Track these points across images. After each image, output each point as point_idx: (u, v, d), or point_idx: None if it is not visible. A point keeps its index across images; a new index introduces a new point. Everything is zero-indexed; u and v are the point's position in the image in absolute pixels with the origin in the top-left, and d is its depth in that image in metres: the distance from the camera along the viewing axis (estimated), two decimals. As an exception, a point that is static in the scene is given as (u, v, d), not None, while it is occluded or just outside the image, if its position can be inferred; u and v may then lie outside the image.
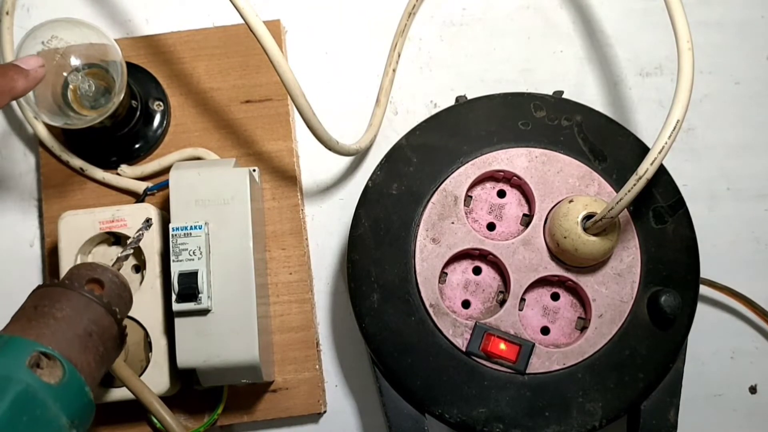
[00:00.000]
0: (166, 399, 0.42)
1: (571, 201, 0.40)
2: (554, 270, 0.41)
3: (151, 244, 0.43)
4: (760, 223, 0.50)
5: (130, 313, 0.42)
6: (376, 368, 0.42)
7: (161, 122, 0.49)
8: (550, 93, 0.45)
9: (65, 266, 0.42)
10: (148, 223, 0.40)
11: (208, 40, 0.50)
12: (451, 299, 0.42)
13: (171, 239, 0.41)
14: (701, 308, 0.46)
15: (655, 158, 0.36)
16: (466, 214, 0.42)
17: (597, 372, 0.40)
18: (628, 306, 0.41)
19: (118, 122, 0.46)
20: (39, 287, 0.31)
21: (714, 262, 0.46)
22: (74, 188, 0.48)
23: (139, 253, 0.43)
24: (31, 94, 0.42)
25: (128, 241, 0.39)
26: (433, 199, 0.42)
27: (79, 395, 0.28)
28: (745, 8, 0.52)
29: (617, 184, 0.42)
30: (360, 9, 0.52)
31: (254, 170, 0.46)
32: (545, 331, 0.42)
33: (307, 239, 0.49)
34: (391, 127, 0.51)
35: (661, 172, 0.42)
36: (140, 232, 0.40)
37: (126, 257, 0.37)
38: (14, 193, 0.49)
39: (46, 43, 0.42)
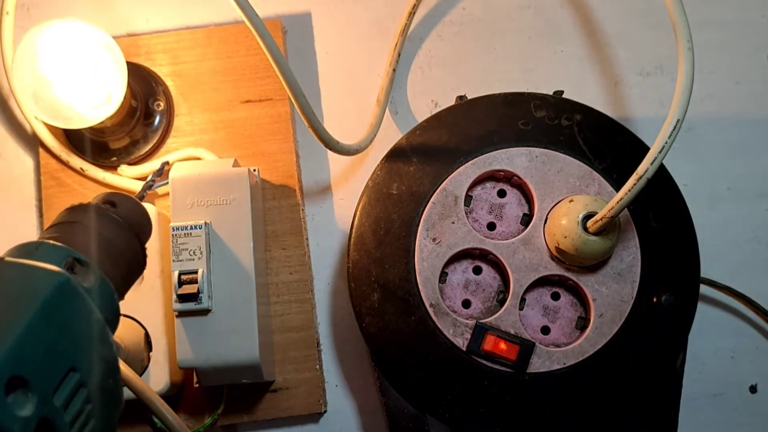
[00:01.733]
0: (166, 399, 0.42)
1: (571, 201, 0.40)
2: (554, 270, 0.41)
3: (151, 244, 0.43)
4: (761, 223, 0.50)
5: (130, 313, 0.43)
6: (376, 368, 0.42)
7: (161, 122, 0.49)
8: (550, 93, 0.45)
9: (65, 266, 0.42)
10: (162, 167, 0.41)
11: (208, 40, 0.50)
12: (451, 299, 0.42)
13: (171, 239, 0.41)
14: (701, 308, 0.46)
15: (656, 158, 0.36)
16: (466, 213, 0.42)
17: (597, 371, 0.40)
18: (629, 305, 0.41)
19: (118, 122, 0.46)
20: (72, 206, 0.32)
21: (714, 262, 0.46)
22: (74, 188, 0.48)
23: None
24: (31, 94, 0.42)
25: (144, 185, 0.40)
26: (433, 199, 0.42)
27: (110, 301, 0.29)
28: (745, 8, 0.53)
29: (617, 183, 0.42)
30: (360, 9, 0.52)
31: (254, 170, 0.46)
32: (545, 330, 0.42)
33: (307, 239, 0.49)
34: (391, 127, 0.51)
35: (661, 172, 0.42)
36: (152, 179, 0.41)
37: (143, 197, 0.38)
38: (14, 193, 0.49)
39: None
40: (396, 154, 0.43)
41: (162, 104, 0.49)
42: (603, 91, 0.51)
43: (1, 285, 0.24)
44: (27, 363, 0.22)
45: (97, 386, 0.26)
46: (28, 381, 0.22)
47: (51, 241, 0.29)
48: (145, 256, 0.34)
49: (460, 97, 0.46)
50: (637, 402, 0.41)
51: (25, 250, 0.28)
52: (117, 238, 0.32)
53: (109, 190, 0.48)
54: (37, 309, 0.24)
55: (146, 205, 0.44)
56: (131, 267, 0.33)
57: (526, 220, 0.42)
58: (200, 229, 0.41)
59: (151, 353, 0.42)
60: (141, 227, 0.34)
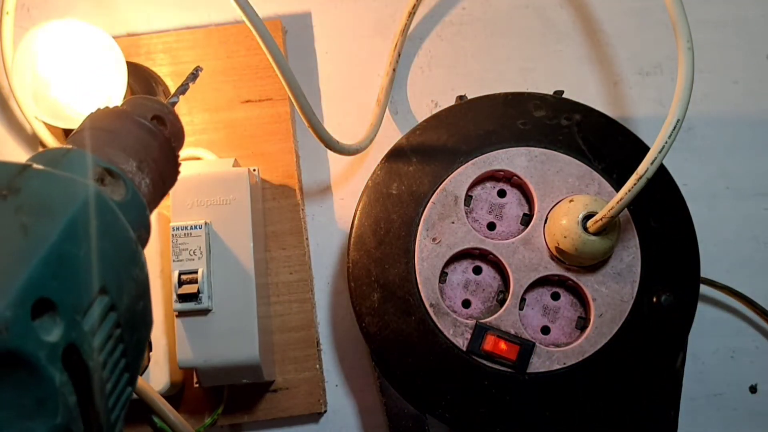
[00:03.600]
0: (166, 399, 0.42)
1: (571, 200, 0.40)
2: (554, 269, 0.41)
3: (151, 244, 0.43)
4: (760, 223, 0.50)
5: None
6: (376, 368, 0.42)
7: (161, 122, 0.49)
8: (550, 93, 0.45)
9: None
10: (197, 71, 0.39)
11: (208, 40, 0.50)
12: (451, 299, 0.42)
13: (171, 239, 0.41)
14: (701, 308, 0.46)
15: (655, 158, 0.36)
16: (466, 213, 0.42)
17: (597, 371, 0.40)
18: (629, 305, 0.41)
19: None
20: (98, 109, 0.30)
21: (714, 261, 0.46)
22: (74, 188, 0.48)
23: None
24: (31, 94, 0.42)
25: (177, 89, 0.37)
26: (433, 199, 0.42)
27: (141, 215, 0.27)
28: (745, 8, 0.53)
29: (617, 183, 0.42)
30: (360, 9, 0.52)
31: (254, 170, 0.46)
32: (545, 330, 0.42)
33: (307, 239, 0.49)
34: (391, 127, 0.51)
35: (661, 172, 0.42)
36: (187, 83, 0.38)
37: (174, 104, 0.35)
38: (14, 193, 0.49)
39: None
40: (396, 154, 0.43)
41: (162, 104, 0.49)
42: (603, 91, 0.51)
43: (25, 196, 0.21)
44: (54, 284, 0.20)
45: (127, 309, 0.24)
46: (56, 303, 0.20)
47: (76, 149, 0.26)
48: (177, 158, 0.31)
49: (460, 97, 0.46)
50: (637, 402, 0.41)
51: (52, 157, 0.25)
52: (158, 157, 0.29)
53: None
54: (64, 224, 0.21)
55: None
56: (165, 182, 0.30)
57: (526, 220, 0.42)
58: (200, 229, 0.41)
59: (151, 353, 0.42)
60: (179, 141, 0.32)
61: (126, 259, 0.24)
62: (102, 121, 0.29)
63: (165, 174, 0.30)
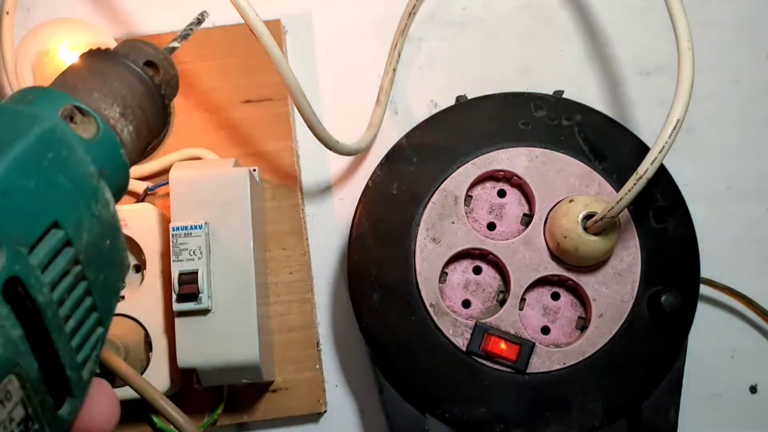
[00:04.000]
0: (166, 399, 0.42)
1: (571, 201, 0.40)
2: (554, 270, 0.41)
3: (151, 245, 0.43)
4: (761, 223, 0.50)
5: (130, 313, 0.43)
6: (376, 368, 0.42)
7: (161, 122, 0.49)
8: (550, 93, 0.45)
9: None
10: (202, 15, 0.37)
11: (208, 40, 0.50)
12: (451, 299, 0.42)
13: (171, 239, 0.41)
14: (701, 308, 0.46)
15: (656, 158, 0.36)
16: (466, 213, 0.42)
17: (597, 371, 0.40)
18: (629, 305, 0.41)
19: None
20: (90, 50, 0.29)
21: (714, 261, 0.46)
22: (74, 188, 0.48)
23: (139, 253, 0.44)
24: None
25: (178, 34, 0.36)
26: (433, 199, 0.42)
27: (112, 153, 0.26)
28: (745, 8, 0.52)
29: (617, 183, 0.42)
30: (360, 9, 0.52)
31: (254, 170, 0.46)
32: (545, 330, 0.42)
33: (307, 239, 0.49)
34: (391, 127, 0.51)
35: (662, 172, 0.42)
36: (190, 28, 0.37)
37: (173, 50, 0.34)
38: (14, 193, 0.49)
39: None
40: (396, 154, 0.43)
41: (162, 104, 0.49)
42: (603, 91, 0.51)
43: None
44: None
45: (89, 246, 0.23)
46: None
47: (53, 88, 0.26)
48: (166, 108, 0.30)
49: (460, 97, 0.46)
50: (637, 402, 0.41)
51: (23, 95, 0.25)
52: (145, 105, 0.29)
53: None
54: (13, 157, 0.21)
55: (146, 206, 0.44)
56: (152, 131, 0.29)
57: (526, 220, 0.42)
58: (200, 229, 0.41)
59: (151, 353, 0.42)
60: (173, 90, 0.31)
61: (86, 195, 0.24)
62: (89, 61, 0.28)
63: (151, 123, 0.29)
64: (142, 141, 0.29)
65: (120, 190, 0.27)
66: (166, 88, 0.30)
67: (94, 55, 0.29)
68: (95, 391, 0.25)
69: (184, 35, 0.35)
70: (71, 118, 0.25)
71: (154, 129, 0.30)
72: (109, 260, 0.25)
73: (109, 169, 0.26)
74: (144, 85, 0.29)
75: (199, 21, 0.37)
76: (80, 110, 0.26)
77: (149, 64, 0.30)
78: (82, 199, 0.24)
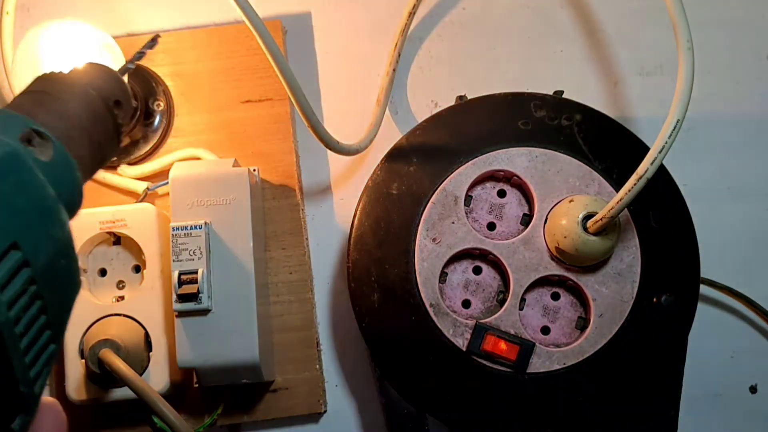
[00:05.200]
0: (166, 399, 0.42)
1: (571, 201, 0.40)
2: (554, 270, 0.41)
3: (151, 244, 0.43)
4: (760, 223, 0.50)
5: (130, 313, 0.43)
6: (376, 368, 0.42)
7: (161, 122, 0.49)
8: (550, 93, 0.45)
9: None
10: (155, 38, 0.39)
11: (208, 40, 0.50)
12: (451, 299, 0.42)
13: (171, 239, 0.41)
14: (701, 308, 0.46)
15: (656, 158, 0.36)
16: (466, 213, 0.42)
17: (597, 372, 0.40)
18: (629, 305, 0.41)
19: (118, 122, 0.46)
20: (48, 73, 0.30)
21: (714, 262, 0.46)
22: (74, 188, 0.48)
23: (139, 253, 0.44)
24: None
25: (133, 56, 0.38)
26: (433, 199, 0.42)
27: (68, 175, 0.27)
28: (745, 8, 0.53)
29: (617, 183, 0.42)
30: (360, 9, 0.52)
31: (254, 170, 0.46)
32: (545, 330, 0.42)
33: (307, 239, 0.49)
34: (391, 127, 0.51)
35: (661, 172, 0.42)
36: (143, 50, 0.38)
37: (126, 71, 0.36)
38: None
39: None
40: (396, 154, 0.43)
41: (162, 104, 0.49)
42: (603, 91, 0.51)
43: None
44: None
45: (45, 267, 0.24)
46: None
47: (9, 110, 0.26)
48: (119, 134, 0.32)
49: (460, 97, 0.46)
50: (637, 402, 0.41)
51: None
52: (104, 136, 0.30)
53: (108, 189, 0.48)
54: None
55: (146, 206, 0.44)
56: (102, 146, 0.31)
57: (526, 220, 0.42)
58: (200, 229, 0.41)
59: (151, 353, 0.42)
60: (118, 103, 0.32)
61: (43, 217, 0.24)
62: (47, 84, 0.29)
63: (105, 145, 0.31)
64: (96, 163, 0.30)
65: (73, 209, 0.28)
66: (116, 106, 0.31)
67: (52, 78, 0.30)
68: (44, 408, 0.26)
69: (138, 57, 0.37)
70: (29, 141, 0.26)
71: (107, 152, 0.31)
72: (64, 279, 0.26)
73: (65, 190, 0.26)
74: (109, 122, 0.30)
75: (152, 45, 0.38)
76: (38, 133, 0.26)
77: (117, 104, 0.31)
78: (41, 221, 0.24)
